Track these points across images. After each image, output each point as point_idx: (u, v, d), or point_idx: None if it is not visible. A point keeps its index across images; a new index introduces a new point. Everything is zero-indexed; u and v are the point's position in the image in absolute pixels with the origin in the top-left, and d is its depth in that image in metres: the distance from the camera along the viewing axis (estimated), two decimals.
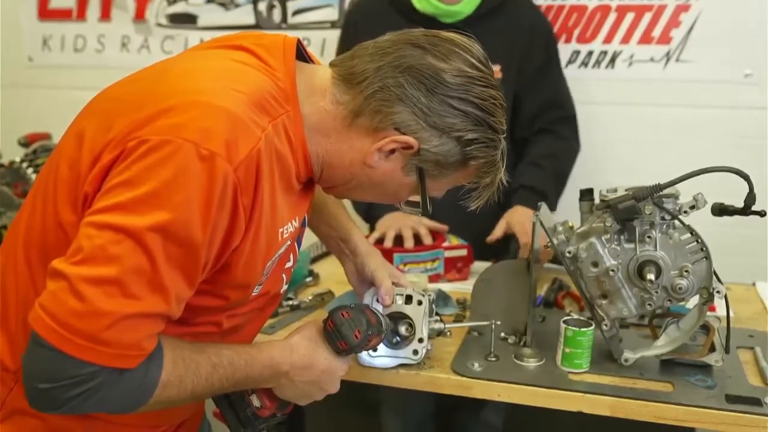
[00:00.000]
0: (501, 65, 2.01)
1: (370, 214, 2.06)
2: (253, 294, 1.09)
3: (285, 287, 1.21)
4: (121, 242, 0.87)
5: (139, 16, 2.79)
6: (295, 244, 1.18)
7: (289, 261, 1.18)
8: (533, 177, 1.97)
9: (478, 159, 1.06)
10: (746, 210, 1.26)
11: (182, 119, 0.90)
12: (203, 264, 0.93)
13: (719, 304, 1.34)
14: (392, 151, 1.05)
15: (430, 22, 1.96)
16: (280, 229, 1.05)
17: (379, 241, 1.88)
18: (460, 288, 1.80)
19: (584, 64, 2.32)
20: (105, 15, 2.85)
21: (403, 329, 1.33)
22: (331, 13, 2.51)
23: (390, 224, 1.93)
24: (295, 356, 1.11)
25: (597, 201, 1.38)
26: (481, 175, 1.09)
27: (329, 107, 1.05)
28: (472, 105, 1.02)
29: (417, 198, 1.11)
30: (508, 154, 1.94)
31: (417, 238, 1.89)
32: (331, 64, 1.09)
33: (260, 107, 0.97)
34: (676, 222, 1.32)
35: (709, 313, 1.35)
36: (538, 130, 2.07)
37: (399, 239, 1.89)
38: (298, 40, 1.10)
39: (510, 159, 2.01)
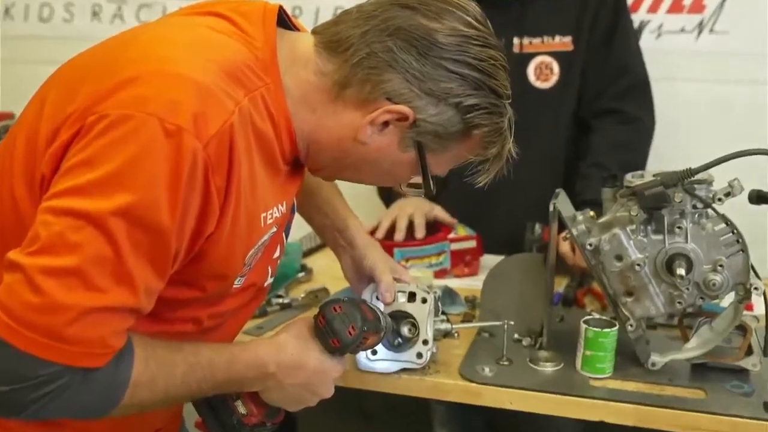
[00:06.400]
0: (572, 36, 1.99)
1: (390, 200, 2.06)
2: (235, 286, 1.10)
3: (270, 280, 1.21)
4: (81, 228, 0.87)
5: None
6: (283, 232, 1.17)
7: (276, 251, 1.17)
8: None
9: (482, 127, 1.06)
10: None
11: (146, 91, 0.91)
12: (174, 252, 0.94)
13: (757, 301, 1.34)
14: (386, 124, 1.05)
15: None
16: (263, 214, 1.05)
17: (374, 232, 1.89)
18: (469, 284, 1.80)
19: None
20: None
21: (405, 330, 1.33)
22: None
23: (391, 212, 1.94)
24: (283, 355, 1.11)
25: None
26: (487, 145, 1.08)
27: (312, 79, 1.05)
28: (470, 67, 1.02)
29: (419, 179, 1.11)
30: (574, 140, 1.85)
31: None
32: (314, 32, 1.09)
33: (235, 78, 0.97)
34: (710, 211, 1.31)
35: (745, 312, 1.34)
36: (602, 111, 2.01)
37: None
38: (281, 6, 1.10)
39: (573, 146, 2.03)
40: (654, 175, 1.32)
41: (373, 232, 1.87)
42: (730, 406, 1.26)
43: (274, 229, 1.10)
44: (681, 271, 1.30)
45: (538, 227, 1.81)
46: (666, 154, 2.11)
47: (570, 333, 1.42)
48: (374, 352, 1.33)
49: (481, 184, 1.10)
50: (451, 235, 1.89)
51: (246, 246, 1.04)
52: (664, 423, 1.26)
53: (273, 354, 1.10)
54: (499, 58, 1.05)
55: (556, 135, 2.04)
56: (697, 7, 2.26)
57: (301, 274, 1.83)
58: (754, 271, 1.30)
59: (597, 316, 1.40)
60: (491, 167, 1.10)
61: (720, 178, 1.31)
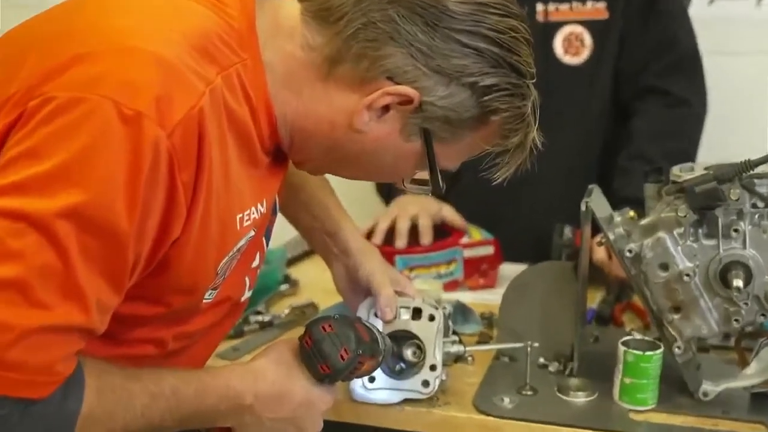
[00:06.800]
0: (607, 2, 2.00)
1: (390, 197, 2.06)
2: (206, 301, 1.10)
3: (248, 294, 1.21)
4: (23, 233, 0.87)
5: None
6: (263, 237, 1.18)
7: (255, 259, 1.18)
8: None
9: (501, 112, 1.06)
10: None
11: (99, 69, 0.91)
12: (132, 262, 0.94)
13: None
14: (386, 108, 1.05)
15: None
16: (239, 215, 1.06)
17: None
18: (485, 298, 1.81)
19: None
20: None
21: (409, 353, 1.34)
22: None
23: (390, 212, 1.94)
24: (262, 384, 1.11)
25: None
26: (507, 133, 1.08)
27: (299, 53, 1.05)
28: (487, 40, 1.02)
29: (424, 173, 1.11)
30: (611, 126, 1.87)
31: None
32: None
33: (205, 53, 0.98)
34: None
35: None
36: (644, 91, 2.03)
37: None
38: None
39: (610, 134, 2.04)
40: (706, 168, 1.33)
41: (369, 236, 1.88)
42: None
43: (252, 233, 1.10)
44: (738, 283, 1.30)
45: (567, 230, 1.81)
46: (720, 142, 2.11)
47: (606, 357, 1.42)
48: (372, 380, 1.33)
49: (499, 180, 1.10)
50: (464, 240, 1.89)
51: (218, 253, 1.05)
52: None
53: (250, 383, 1.11)
54: (521, 29, 1.05)
55: (588, 120, 2.05)
56: None
57: (284, 287, 1.84)
58: None
59: (638, 336, 1.40)
60: (512, 159, 1.10)
61: None
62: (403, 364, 1.34)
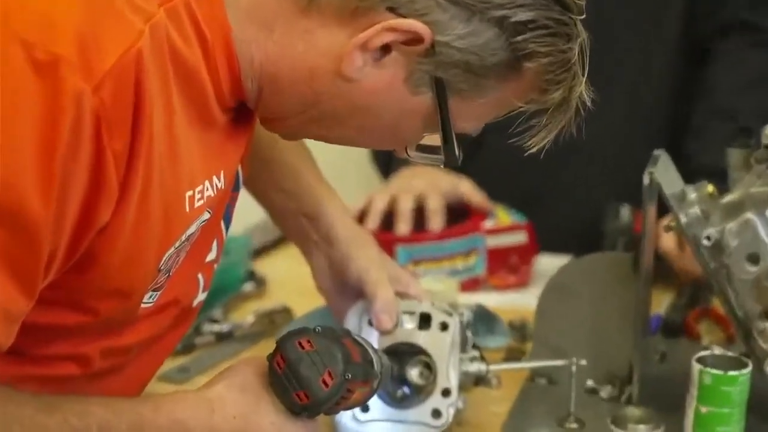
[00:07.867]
0: None
1: (390, 168, 2.08)
2: (145, 306, 1.10)
3: (202, 296, 1.22)
4: None
5: None
6: (221, 221, 1.19)
7: (211, 251, 1.18)
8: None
9: (538, 57, 1.05)
10: None
11: (3, 1, 0.91)
12: (47, 256, 0.94)
13: None
14: (386, 50, 1.05)
15: None
16: (188, 193, 1.06)
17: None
18: (516, 302, 1.82)
19: None
20: None
21: (414, 374, 1.35)
22: None
23: (389, 187, 1.96)
24: (219, 419, 1.11)
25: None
26: (546, 86, 1.08)
27: None
28: None
29: (435, 138, 1.11)
30: (683, 74, 1.93)
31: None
32: None
33: None
34: None
35: None
36: (728, 25, 2.03)
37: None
38: None
39: (682, 85, 2.05)
40: None
41: (362, 219, 1.88)
42: None
43: (207, 215, 1.11)
44: None
45: (625, 211, 1.83)
46: None
47: (675, 378, 1.42)
48: (365, 410, 1.34)
49: (535, 148, 1.10)
50: (488, 225, 1.91)
51: (162, 243, 1.05)
52: None
53: (203, 417, 1.10)
54: None
55: (653, 67, 2.06)
56: None
57: (248, 286, 1.85)
58: None
59: (719, 351, 1.41)
60: (552, 121, 1.10)
61: None
62: (406, 389, 1.35)
